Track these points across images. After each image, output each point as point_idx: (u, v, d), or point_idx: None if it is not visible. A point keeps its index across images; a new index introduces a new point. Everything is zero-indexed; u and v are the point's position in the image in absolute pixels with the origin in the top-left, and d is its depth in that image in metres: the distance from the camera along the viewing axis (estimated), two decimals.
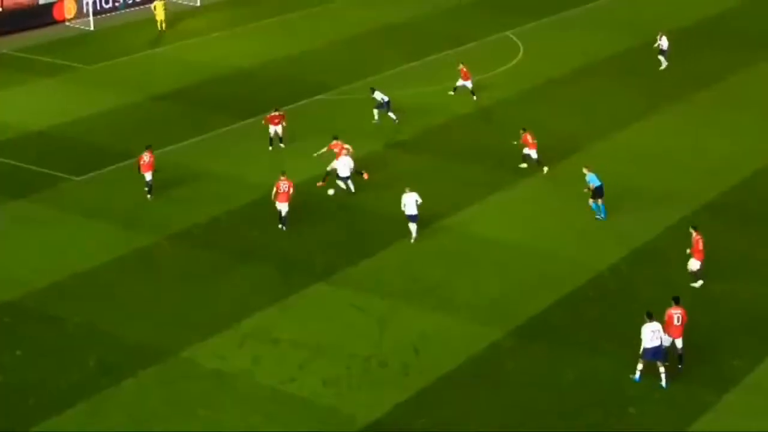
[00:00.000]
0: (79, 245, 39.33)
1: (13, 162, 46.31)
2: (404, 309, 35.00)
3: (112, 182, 44.41)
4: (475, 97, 52.19)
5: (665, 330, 30.89)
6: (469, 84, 52.24)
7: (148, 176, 42.04)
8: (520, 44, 61.73)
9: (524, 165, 44.51)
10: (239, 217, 41.38)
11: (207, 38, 63.66)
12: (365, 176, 42.66)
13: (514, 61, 59.09)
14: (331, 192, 41.97)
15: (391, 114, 49.56)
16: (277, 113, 46.85)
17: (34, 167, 45.63)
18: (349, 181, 42.29)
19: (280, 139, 46.99)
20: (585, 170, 40.51)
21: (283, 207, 39.49)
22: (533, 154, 44.20)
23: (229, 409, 30.12)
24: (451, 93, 52.47)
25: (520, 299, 35.60)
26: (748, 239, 39.23)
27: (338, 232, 40.07)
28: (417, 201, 38.52)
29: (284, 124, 46.82)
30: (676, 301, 31.45)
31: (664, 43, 56.99)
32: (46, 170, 45.30)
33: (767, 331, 33.74)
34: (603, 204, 40.24)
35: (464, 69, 52.24)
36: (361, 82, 52.09)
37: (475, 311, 34.86)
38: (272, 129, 46.78)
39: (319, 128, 47.59)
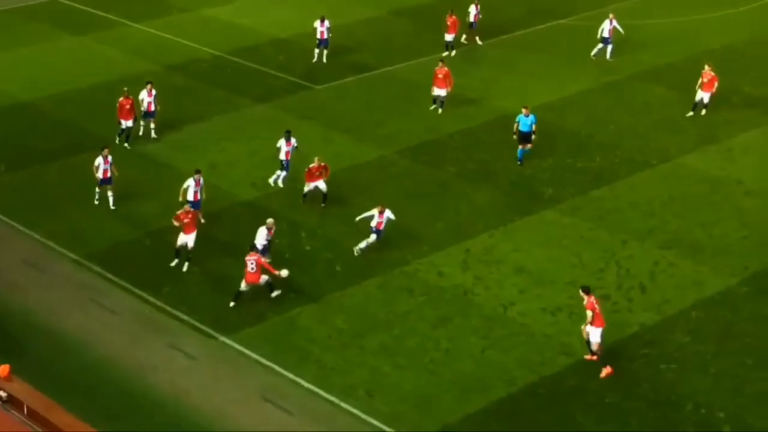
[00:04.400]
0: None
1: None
2: (634, 245, 34.08)
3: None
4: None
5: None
6: (450, 38, 47.97)
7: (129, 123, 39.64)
8: None
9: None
10: (472, 138, 41.10)
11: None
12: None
13: None
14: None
15: None
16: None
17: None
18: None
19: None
20: (524, 110, 38.03)
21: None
22: (442, 93, 42.10)
23: (447, 325, 30.19)
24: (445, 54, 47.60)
25: (759, 247, 34.02)
26: None
27: (569, 162, 39.16)
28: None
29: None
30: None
31: (608, 26, 47.53)
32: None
33: None
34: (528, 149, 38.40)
35: (453, 18, 47.81)
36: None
37: (709, 255, 33.56)
38: None
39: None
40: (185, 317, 30.33)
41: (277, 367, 28.38)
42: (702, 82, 42.06)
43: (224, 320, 30.20)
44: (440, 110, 42.69)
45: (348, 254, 33.03)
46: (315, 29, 47.11)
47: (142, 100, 39.83)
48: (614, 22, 47.59)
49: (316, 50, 47.37)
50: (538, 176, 38.22)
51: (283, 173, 37.00)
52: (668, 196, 36.99)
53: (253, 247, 31.09)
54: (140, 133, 40.29)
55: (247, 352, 28.99)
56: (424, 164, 39.11)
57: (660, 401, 27.31)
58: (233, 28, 51.45)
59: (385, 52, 48.64)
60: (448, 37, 48.18)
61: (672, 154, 39.79)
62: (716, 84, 41.89)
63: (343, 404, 27.04)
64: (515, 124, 38.56)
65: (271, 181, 37.17)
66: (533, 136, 38.34)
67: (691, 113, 42.28)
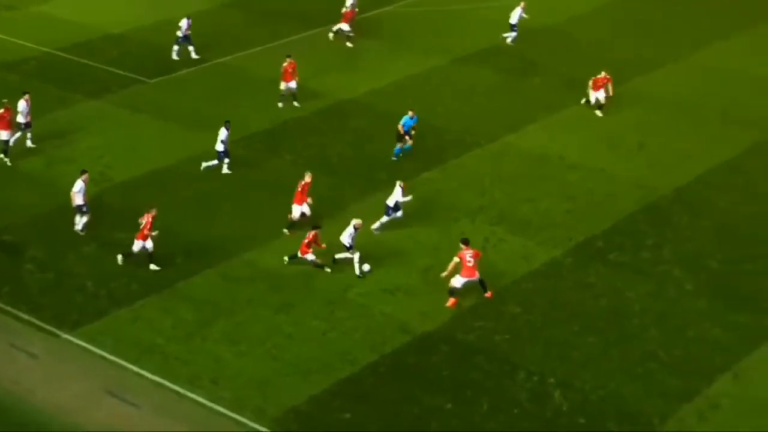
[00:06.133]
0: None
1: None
2: (465, 222, 35.42)
3: None
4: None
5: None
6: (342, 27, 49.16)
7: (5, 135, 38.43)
8: None
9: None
10: (307, 125, 41.76)
11: None
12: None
13: None
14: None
15: None
16: None
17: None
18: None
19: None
20: (410, 113, 39.21)
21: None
22: (292, 85, 42.82)
23: (289, 311, 30.94)
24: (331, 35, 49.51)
25: (581, 219, 35.86)
26: None
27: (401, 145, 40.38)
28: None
29: None
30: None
31: (517, 14, 49.31)
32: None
33: None
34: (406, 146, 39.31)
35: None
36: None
37: (536, 229, 35.17)
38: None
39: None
40: (26, 316, 30.25)
41: (121, 361, 28.63)
42: (595, 83, 43.04)
43: (66, 317, 30.26)
44: (296, 103, 43.08)
45: (188, 244, 33.38)
46: (180, 27, 47.05)
47: (21, 111, 38.88)
48: (521, 11, 49.03)
49: (177, 47, 47.25)
50: (372, 160, 39.20)
51: (226, 160, 37.90)
52: (496, 175, 38.50)
53: (315, 227, 32.71)
54: (28, 144, 39.21)
55: (90, 347, 29.15)
56: (261, 152, 39.67)
57: (494, 371, 28.68)
58: (63, 25, 50.81)
59: (217, 44, 48.80)
60: (341, 26, 49.01)
61: (498, 134, 41.39)
62: (609, 85, 42.87)
63: (188, 393, 27.49)
64: (400, 126, 39.18)
65: (202, 166, 37.90)
66: (408, 136, 39.11)
67: (598, 112, 43.21)
